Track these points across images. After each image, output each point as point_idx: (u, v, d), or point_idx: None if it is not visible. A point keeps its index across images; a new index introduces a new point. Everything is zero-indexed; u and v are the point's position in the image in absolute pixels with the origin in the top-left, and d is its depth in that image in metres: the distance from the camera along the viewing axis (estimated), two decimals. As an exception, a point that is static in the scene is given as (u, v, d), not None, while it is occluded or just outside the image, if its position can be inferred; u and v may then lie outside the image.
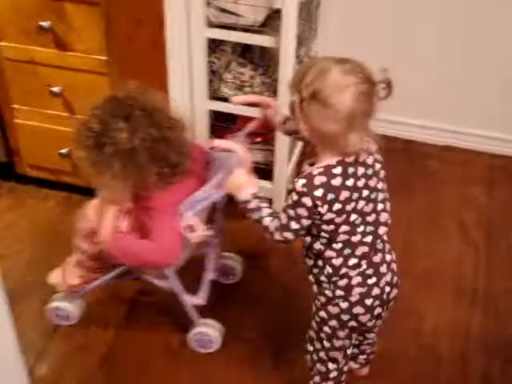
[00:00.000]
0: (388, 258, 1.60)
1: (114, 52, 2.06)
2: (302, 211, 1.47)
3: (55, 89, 2.18)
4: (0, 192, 2.45)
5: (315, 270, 1.59)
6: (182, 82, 2.23)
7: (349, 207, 1.49)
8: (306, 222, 1.49)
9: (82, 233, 1.83)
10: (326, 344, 1.65)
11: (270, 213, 1.56)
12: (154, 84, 1.96)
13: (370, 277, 1.56)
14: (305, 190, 1.45)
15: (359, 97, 1.38)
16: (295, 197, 1.46)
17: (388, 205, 1.57)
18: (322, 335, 1.64)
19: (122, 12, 2.02)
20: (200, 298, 1.92)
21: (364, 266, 1.55)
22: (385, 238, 1.59)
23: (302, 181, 1.46)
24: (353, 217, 1.50)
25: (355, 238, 1.53)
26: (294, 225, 1.50)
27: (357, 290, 1.56)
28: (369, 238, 1.54)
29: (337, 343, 1.64)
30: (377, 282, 1.56)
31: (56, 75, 2.16)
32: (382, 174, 1.56)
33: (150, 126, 1.61)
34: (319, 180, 1.45)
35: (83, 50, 2.08)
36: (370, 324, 1.61)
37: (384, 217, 1.56)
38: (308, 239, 1.56)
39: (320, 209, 1.46)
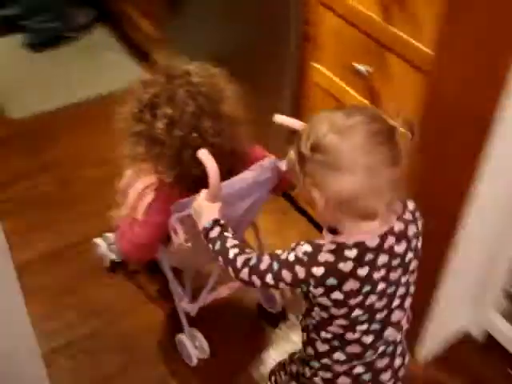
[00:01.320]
0: (397, 363, 1.30)
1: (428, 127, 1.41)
2: (288, 276, 1.15)
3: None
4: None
5: (304, 331, 1.29)
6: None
7: (353, 301, 1.15)
8: (282, 286, 1.18)
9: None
10: None
11: (235, 244, 1.24)
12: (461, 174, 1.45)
13: (364, 382, 1.27)
14: (305, 259, 1.13)
15: (372, 138, 1.07)
16: (291, 257, 1.15)
17: (408, 301, 1.24)
18: None
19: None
20: (191, 308, 1.73)
21: (359, 369, 1.25)
22: (396, 339, 1.27)
23: (307, 247, 1.14)
24: (356, 312, 1.17)
25: (351, 336, 1.21)
26: (268, 278, 1.18)
27: None
28: (369, 338, 1.21)
29: None
30: None
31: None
32: (414, 264, 1.21)
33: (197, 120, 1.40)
34: (324, 257, 1.12)
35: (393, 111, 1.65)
36: None
37: (397, 316, 1.23)
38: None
39: (312, 289, 1.14)
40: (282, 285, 1.17)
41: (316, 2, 1.72)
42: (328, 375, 1.27)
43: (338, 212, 1.11)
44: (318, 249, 1.12)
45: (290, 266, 1.14)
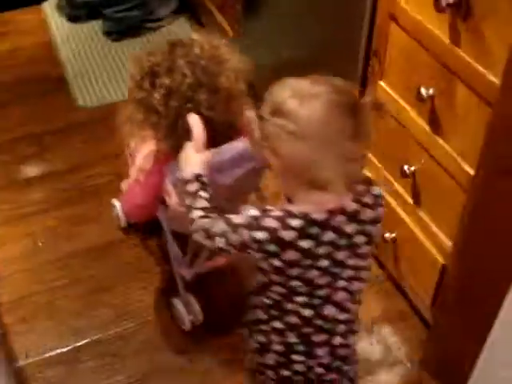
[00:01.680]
0: (337, 341, 1.24)
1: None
2: (235, 240, 1.13)
3: (405, 167, 1.66)
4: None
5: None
6: None
7: (292, 272, 1.13)
8: (233, 251, 1.16)
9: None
10: None
11: (203, 207, 1.21)
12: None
13: (297, 353, 1.24)
14: (250, 222, 1.11)
15: (333, 109, 1.05)
16: (239, 220, 1.13)
17: (356, 285, 1.20)
18: None
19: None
20: (187, 273, 1.70)
21: (292, 339, 1.22)
22: (337, 317, 1.21)
23: (254, 212, 1.12)
24: (294, 283, 1.15)
25: (289, 306, 1.19)
26: (220, 242, 1.15)
27: (273, 357, 1.26)
28: (306, 311, 1.19)
29: None
30: (304, 361, 1.24)
31: (413, 150, 1.64)
32: (365, 249, 1.17)
33: (193, 90, 1.40)
34: (269, 223, 1.10)
35: (454, 147, 1.51)
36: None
37: (340, 296, 1.19)
38: None
39: (252, 252, 1.12)
40: (232, 249, 1.15)
41: (385, 15, 1.61)
42: (263, 339, 1.26)
43: (291, 178, 1.10)
44: (264, 214, 1.11)
45: (236, 229, 1.13)
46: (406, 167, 1.66)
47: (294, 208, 1.11)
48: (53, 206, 2.12)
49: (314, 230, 1.10)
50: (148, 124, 1.45)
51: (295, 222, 1.09)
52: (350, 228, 1.14)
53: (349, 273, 1.18)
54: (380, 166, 1.80)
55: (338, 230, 1.12)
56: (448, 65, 1.45)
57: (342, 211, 1.12)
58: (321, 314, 1.20)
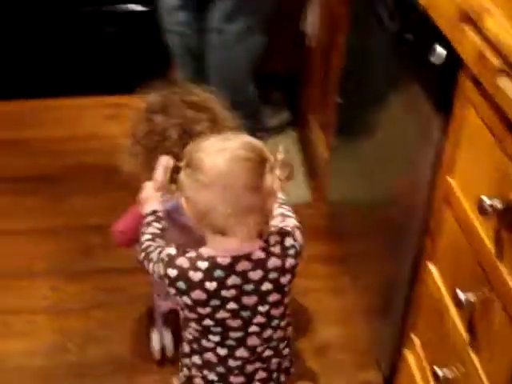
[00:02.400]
0: None
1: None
2: (156, 271, 1.30)
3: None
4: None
5: None
6: None
7: (202, 311, 1.26)
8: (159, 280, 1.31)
9: None
10: None
11: (153, 232, 1.38)
12: None
13: None
14: (166, 259, 1.26)
15: (236, 163, 1.17)
16: (162, 255, 1.28)
17: (270, 333, 1.31)
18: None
19: None
20: (164, 305, 1.83)
21: (211, 376, 1.35)
22: (252, 363, 1.33)
23: (172, 250, 1.26)
24: (207, 322, 1.27)
25: (205, 343, 1.31)
26: (150, 269, 1.33)
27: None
28: (223, 351, 1.31)
29: None
30: None
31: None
32: (275, 298, 1.27)
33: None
34: (181, 262, 1.24)
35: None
36: None
37: (253, 341, 1.30)
38: None
39: (168, 288, 1.26)
40: (157, 279, 1.30)
41: (441, 197, 1.42)
42: (187, 373, 1.40)
43: (197, 222, 1.23)
44: (179, 253, 1.25)
45: (157, 262, 1.29)
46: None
47: (204, 251, 1.24)
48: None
49: (219, 273, 1.23)
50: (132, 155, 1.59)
51: (202, 265, 1.23)
52: (255, 275, 1.24)
53: (260, 319, 1.29)
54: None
55: (242, 275, 1.23)
56: (489, 276, 1.23)
57: (248, 258, 1.23)
58: (235, 356, 1.31)
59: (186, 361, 1.39)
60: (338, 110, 2.15)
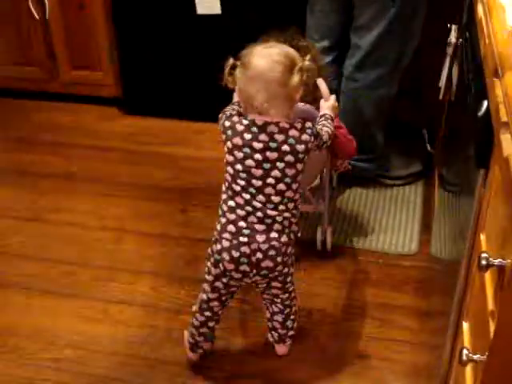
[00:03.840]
0: (265, 236, 1.76)
1: None
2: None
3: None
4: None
5: None
6: None
7: (237, 154, 1.74)
8: None
9: None
10: (206, 276, 1.89)
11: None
12: None
13: (226, 232, 1.79)
14: (227, 114, 1.80)
15: (270, 63, 1.70)
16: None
17: (280, 187, 1.74)
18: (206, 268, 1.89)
19: None
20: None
21: (230, 209, 1.78)
22: (267, 212, 1.75)
23: (231, 110, 1.81)
24: (238, 166, 1.74)
25: (236, 187, 1.76)
26: None
27: (225, 236, 1.78)
28: (247, 197, 1.75)
29: (209, 277, 1.87)
30: (230, 239, 1.78)
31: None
32: (291, 159, 1.73)
33: None
34: (233, 118, 1.76)
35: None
36: (236, 276, 1.81)
37: (268, 191, 1.74)
38: None
39: (222, 135, 1.78)
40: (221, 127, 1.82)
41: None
42: (221, 220, 1.82)
43: (244, 105, 1.78)
44: (234, 113, 1.79)
45: (221, 118, 1.83)
46: None
47: (249, 116, 1.75)
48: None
49: (254, 129, 1.73)
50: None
51: (245, 122, 1.74)
52: (279, 137, 1.72)
53: (276, 173, 1.73)
54: None
55: (270, 135, 1.72)
56: None
57: (276, 124, 1.72)
58: (254, 205, 1.75)
59: (221, 210, 1.82)
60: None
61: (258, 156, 1.72)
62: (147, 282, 2.34)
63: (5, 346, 2.12)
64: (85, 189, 2.80)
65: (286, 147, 1.72)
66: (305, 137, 1.74)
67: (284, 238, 1.79)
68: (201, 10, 2.87)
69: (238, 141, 1.73)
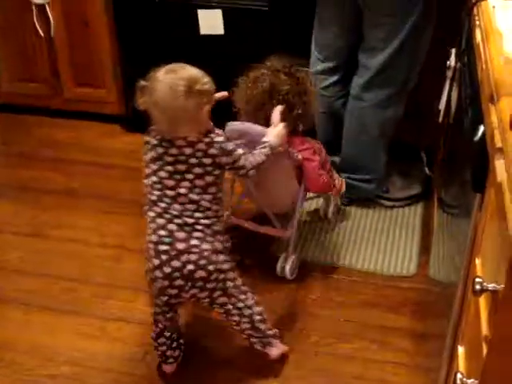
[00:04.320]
0: (185, 244, 1.83)
1: None
2: None
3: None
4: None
5: None
6: None
7: (152, 166, 1.86)
8: None
9: None
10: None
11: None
12: None
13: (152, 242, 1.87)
14: (150, 127, 1.90)
15: (171, 90, 1.77)
16: None
17: (192, 197, 1.84)
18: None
19: None
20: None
21: (151, 219, 1.88)
22: (185, 220, 1.84)
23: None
24: (153, 178, 1.86)
25: (153, 197, 1.87)
26: None
27: (150, 246, 1.87)
28: (163, 205, 1.85)
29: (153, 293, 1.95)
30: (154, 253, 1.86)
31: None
32: (199, 171, 1.84)
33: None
34: (148, 136, 1.90)
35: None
36: (173, 292, 1.87)
37: (182, 200, 1.84)
38: None
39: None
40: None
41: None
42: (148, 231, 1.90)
43: (158, 127, 1.87)
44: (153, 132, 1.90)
45: None
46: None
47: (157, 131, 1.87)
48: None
49: (165, 143, 1.84)
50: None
51: (158, 136, 1.86)
52: (187, 150, 1.83)
53: (186, 184, 1.84)
54: None
55: (178, 148, 1.83)
56: None
57: (184, 139, 1.82)
58: (171, 214, 1.84)
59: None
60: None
61: (169, 168, 1.84)
62: (146, 301, 2.33)
63: (1, 361, 2.13)
64: (86, 205, 2.81)
65: (193, 160, 1.83)
66: (212, 151, 1.83)
67: (206, 246, 1.84)
68: (204, 30, 2.90)
69: (152, 154, 1.86)
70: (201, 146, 1.83)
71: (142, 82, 1.82)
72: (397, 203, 2.74)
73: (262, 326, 2.03)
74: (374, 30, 2.42)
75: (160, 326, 2.00)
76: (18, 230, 2.60)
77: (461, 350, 1.45)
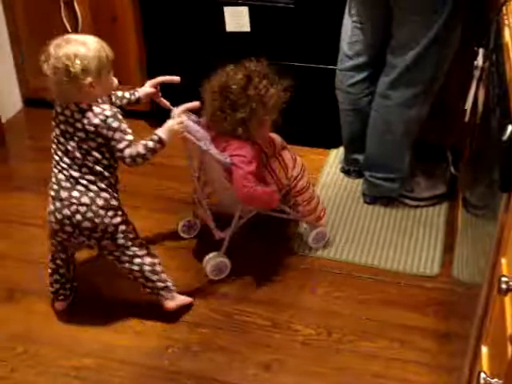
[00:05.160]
0: (67, 193, 2.05)
1: None
2: None
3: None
4: None
5: None
6: None
7: (52, 122, 2.07)
8: None
9: None
10: None
11: None
12: None
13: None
14: None
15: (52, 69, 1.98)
16: None
17: (77, 155, 2.02)
18: None
19: None
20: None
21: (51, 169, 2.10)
22: (71, 173, 2.04)
23: None
24: (53, 133, 2.07)
25: (52, 149, 2.08)
26: None
27: (50, 194, 2.09)
28: (56, 158, 2.07)
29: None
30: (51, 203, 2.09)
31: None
32: (82, 135, 2.00)
33: None
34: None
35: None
36: (63, 236, 2.10)
37: (71, 155, 2.03)
38: None
39: None
40: None
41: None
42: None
43: None
44: None
45: None
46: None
47: None
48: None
49: (60, 106, 2.04)
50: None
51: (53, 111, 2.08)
52: (77, 115, 2.00)
53: (73, 144, 2.03)
54: None
55: (71, 111, 2.01)
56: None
57: (76, 105, 1.99)
58: (62, 167, 2.06)
59: None
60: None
61: (61, 126, 2.03)
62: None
63: (26, 352, 2.15)
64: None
65: (79, 124, 1.99)
66: (96, 121, 1.98)
67: (85, 199, 2.04)
68: (230, 27, 2.91)
69: (53, 112, 2.05)
70: (89, 114, 1.99)
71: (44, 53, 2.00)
72: (421, 203, 2.72)
73: (154, 277, 2.18)
74: (402, 28, 2.41)
75: (55, 264, 2.22)
76: (43, 223, 2.62)
77: (485, 349, 1.44)
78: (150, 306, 2.30)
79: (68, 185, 2.05)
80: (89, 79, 1.95)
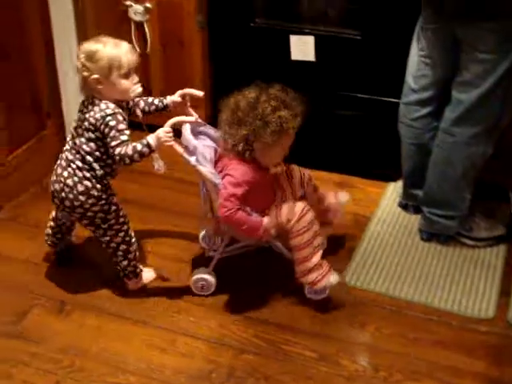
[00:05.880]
0: (60, 171, 2.28)
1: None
2: None
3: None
4: None
5: None
6: None
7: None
8: None
9: None
10: None
11: None
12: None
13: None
14: None
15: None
16: None
17: (79, 141, 2.23)
18: None
19: None
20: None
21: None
22: (67, 156, 2.26)
23: None
24: (73, 123, 2.28)
25: (69, 136, 2.30)
26: None
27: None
28: (67, 142, 2.30)
29: None
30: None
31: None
32: (85, 125, 2.20)
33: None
34: None
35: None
36: (56, 203, 2.33)
37: (75, 141, 2.24)
38: None
39: None
40: None
41: None
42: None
43: None
44: None
45: None
46: None
47: None
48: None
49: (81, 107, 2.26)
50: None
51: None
52: (89, 107, 2.21)
53: (79, 130, 2.24)
54: None
55: (86, 104, 2.23)
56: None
57: (92, 98, 2.22)
58: (67, 144, 2.31)
59: None
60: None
61: (80, 113, 2.24)
62: (216, 318, 2.35)
63: (72, 365, 2.17)
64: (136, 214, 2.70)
65: (86, 114, 2.20)
66: (98, 116, 2.16)
67: (69, 181, 2.25)
68: (295, 56, 2.92)
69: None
70: (95, 108, 2.18)
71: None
72: (479, 243, 2.66)
73: (124, 262, 2.40)
74: (470, 65, 2.37)
75: (55, 217, 2.50)
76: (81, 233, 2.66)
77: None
78: (197, 327, 2.30)
79: (63, 164, 2.27)
80: (94, 76, 2.15)
